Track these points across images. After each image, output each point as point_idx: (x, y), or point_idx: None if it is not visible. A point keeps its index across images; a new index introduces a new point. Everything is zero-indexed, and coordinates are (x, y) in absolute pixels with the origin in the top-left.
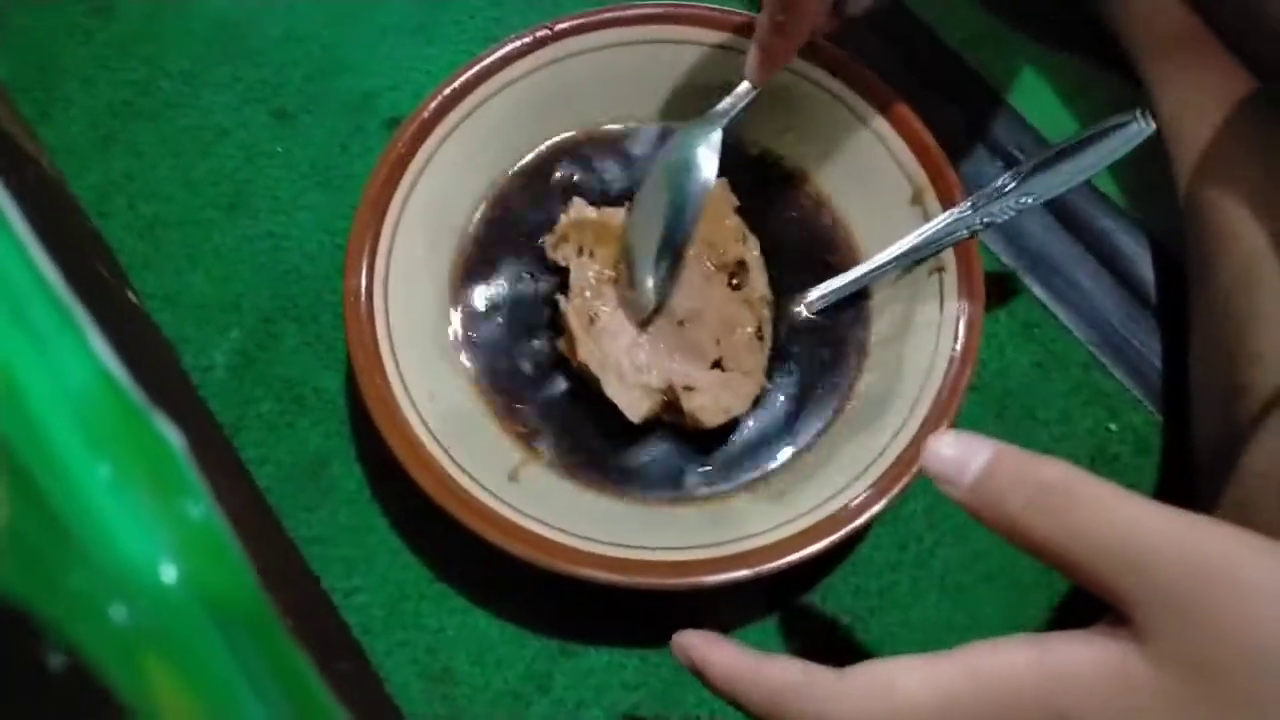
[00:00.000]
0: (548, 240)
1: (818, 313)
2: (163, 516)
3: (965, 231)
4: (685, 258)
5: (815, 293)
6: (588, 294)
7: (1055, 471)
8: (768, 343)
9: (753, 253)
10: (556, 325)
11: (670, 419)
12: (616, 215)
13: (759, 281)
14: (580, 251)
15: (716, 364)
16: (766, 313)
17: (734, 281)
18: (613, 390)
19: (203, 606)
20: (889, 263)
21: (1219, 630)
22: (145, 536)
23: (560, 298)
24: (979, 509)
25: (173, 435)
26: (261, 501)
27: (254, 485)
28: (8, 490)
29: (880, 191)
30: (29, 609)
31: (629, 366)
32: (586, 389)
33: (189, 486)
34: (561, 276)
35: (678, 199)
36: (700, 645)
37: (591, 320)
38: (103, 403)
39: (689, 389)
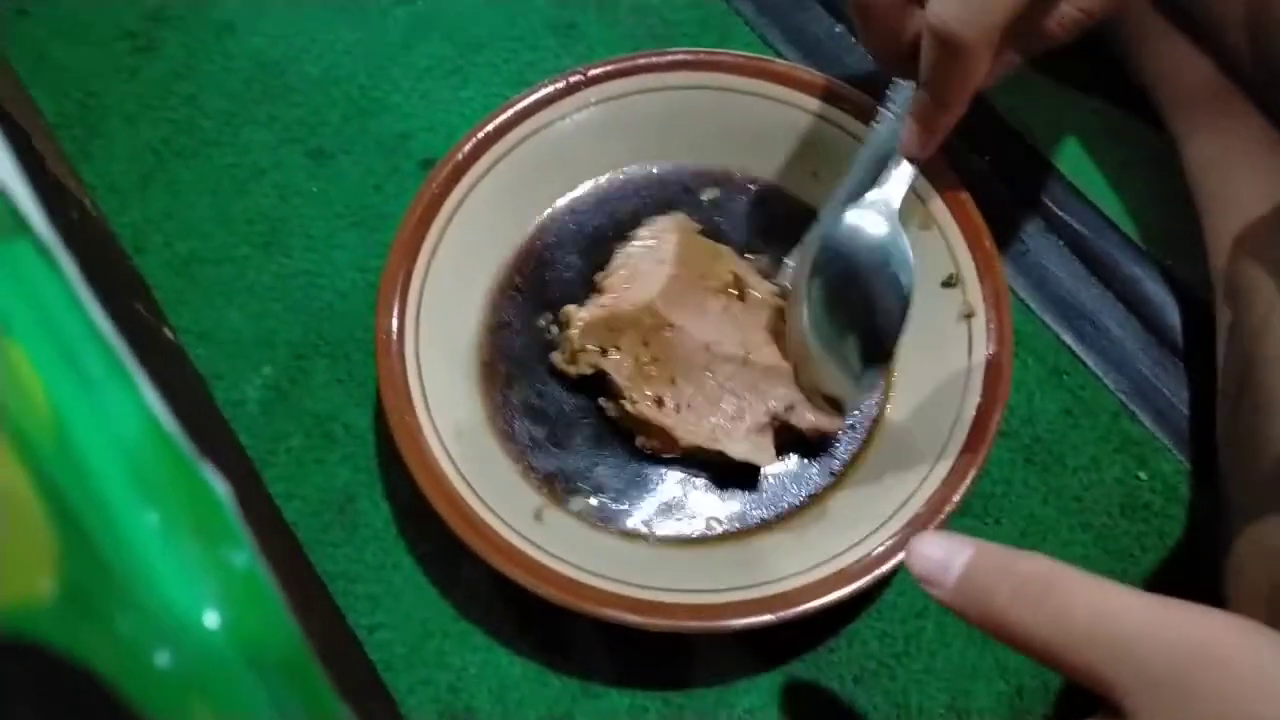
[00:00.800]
0: (557, 359)
1: None
2: (208, 564)
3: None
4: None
5: (790, 260)
6: (642, 385)
7: (1036, 565)
8: None
9: (735, 259)
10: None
11: (791, 440)
12: (619, 300)
13: (754, 281)
14: (604, 353)
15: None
16: (782, 303)
17: (739, 294)
18: (738, 452)
19: (244, 653)
20: (844, 195)
21: (1209, 713)
22: (190, 584)
23: (608, 403)
24: (964, 608)
25: (218, 484)
26: (293, 538)
27: (283, 521)
28: (61, 539)
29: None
30: (89, 663)
31: (727, 423)
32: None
33: (233, 535)
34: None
35: (884, 302)
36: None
37: (660, 404)
38: (152, 450)
39: (790, 408)
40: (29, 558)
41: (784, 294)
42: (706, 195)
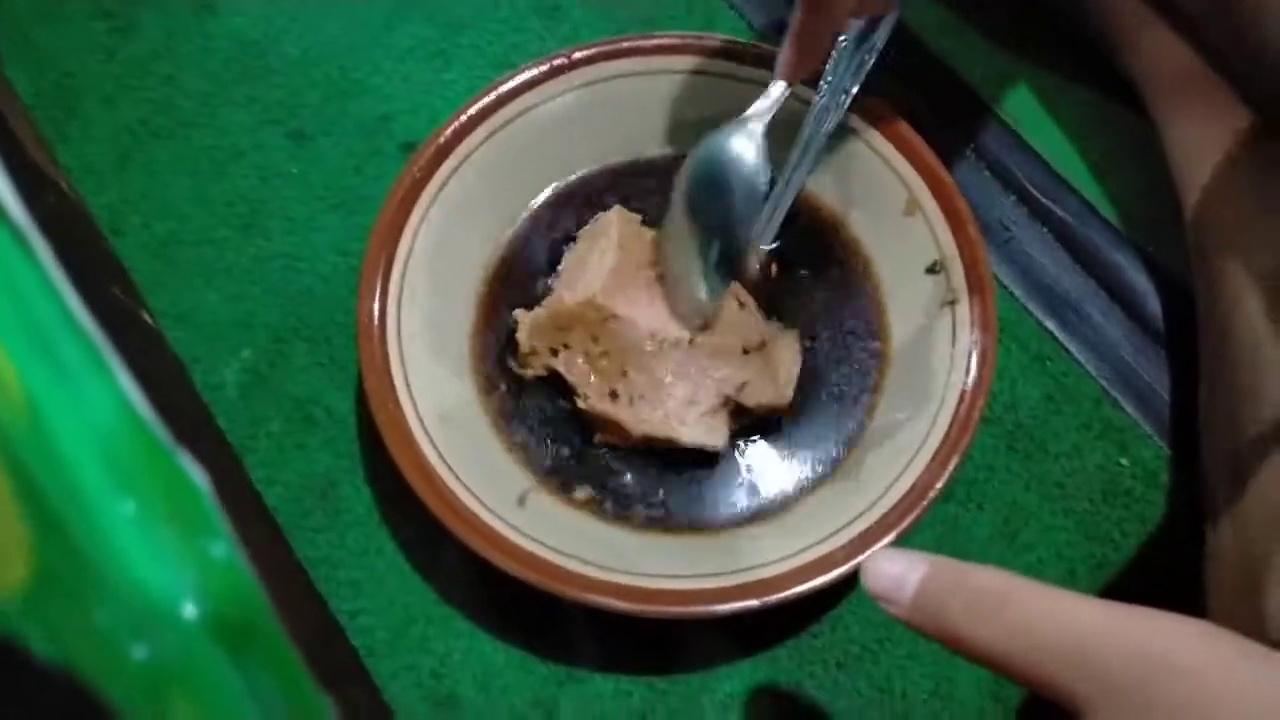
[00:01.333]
0: (514, 365)
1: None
2: (185, 554)
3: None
4: (750, 253)
5: (761, 223)
6: (594, 379)
7: (991, 578)
8: (750, 300)
9: None
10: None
11: (748, 422)
12: (563, 298)
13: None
14: (554, 353)
15: (744, 351)
16: (734, 282)
17: None
18: (690, 437)
19: (222, 644)
20: (805, 151)
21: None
22: (168, 574)
23: (565, 402)
24: (921, 623)
25: (197, 474)
26: (273, 524)
27: (264, 507)
28: (35, 529)
29: (875, 198)
30: (63, 658)
31: (680, 408)
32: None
33: (212, 525)
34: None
35: (733, 197)
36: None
37: (615, 397)
38: (128, 439)
39: (742, 386)
40: (3, 548)
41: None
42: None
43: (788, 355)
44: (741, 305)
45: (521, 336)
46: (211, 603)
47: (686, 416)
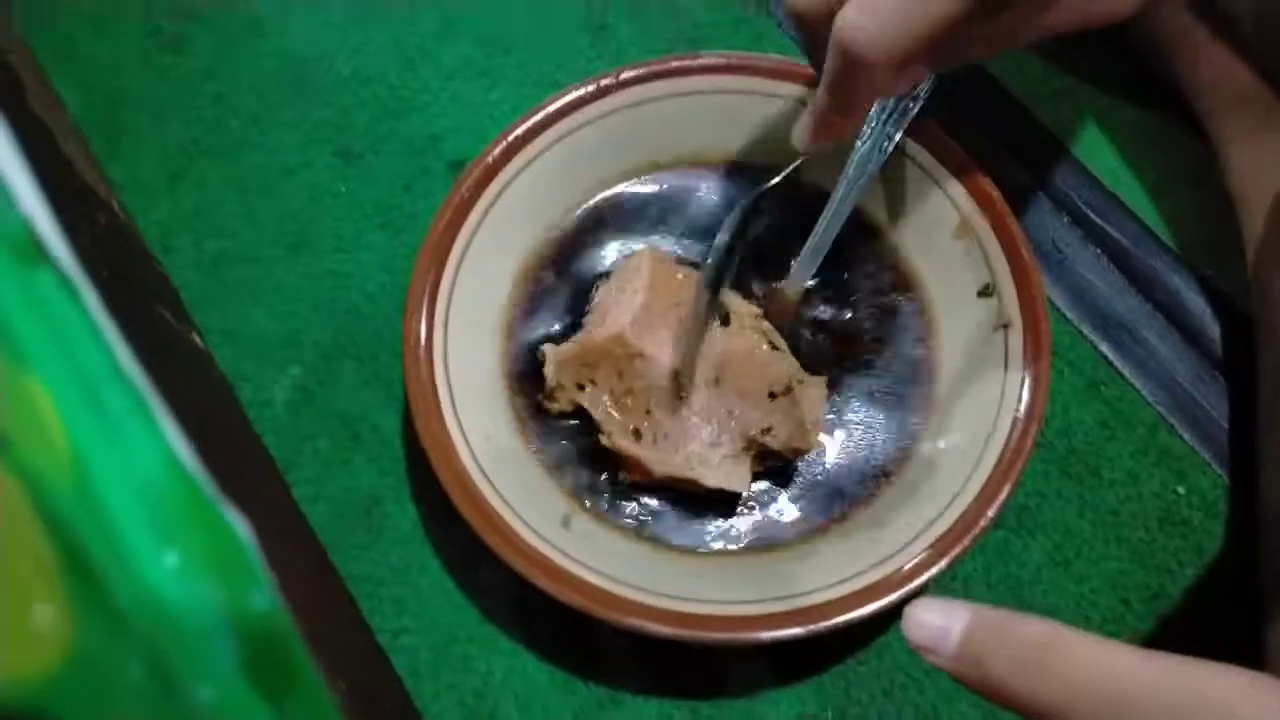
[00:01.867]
0: (542, 400)
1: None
2: (226, 604)
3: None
4: (718, 304)
5: (793, 268)
6: (617, 416)
7: (1034, 628)
8: (783, 344)
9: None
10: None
11: (772, 465)
12: (591, 334)
13: (734, 303)
14: (581, 388)
15: (771, 395)
16: (764, 324)
17: (721, 319)
18: (713, 480)
19: (261, 694)
20: (845, 196)
21: None
22: (208, 623)
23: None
24: (964, 674)
25: (240, 525)
26: (316, 543)
27: (308, 525)
28: (76, 599)
29: (926, 219)
30: None
31: (703, 450)
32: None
33: (254, 575)
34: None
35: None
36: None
37: (638, 435)
38: (172, 490)
39: (766, 430)
40: (36, 617)
41: (767, 313)
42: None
43: (815, 399)
44: (774, 347)
45: (549, 371)
46: (251, 651)
47: (710, 458)
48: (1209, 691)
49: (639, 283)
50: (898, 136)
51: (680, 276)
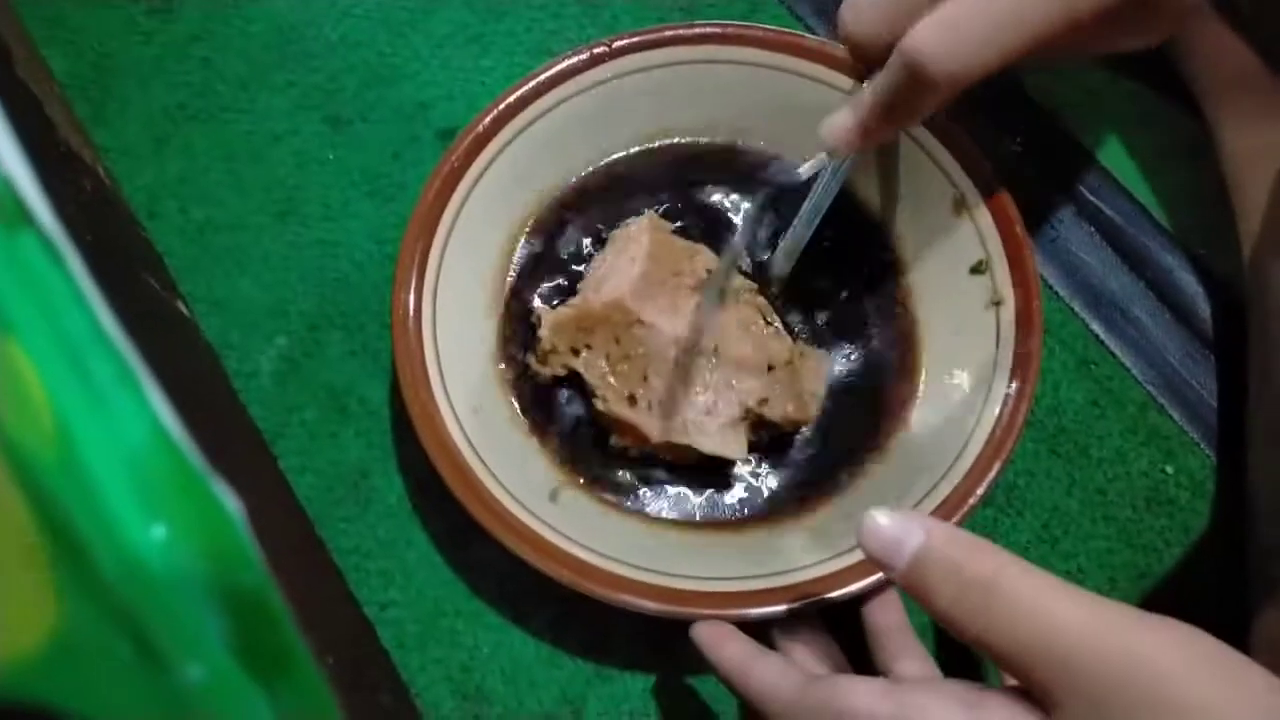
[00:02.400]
0: (532, 361)
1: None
2: (216, 583)
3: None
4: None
5: (779, 252)
6: (613, 382)
7: (983, 566)
8: (777, 319)
9: (709, 256)
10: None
11: (770, 435)
12: (589, 299)
13: (734, 279)
14: (575, 353)
15: (770, 368)
16: (761, 299)
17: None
18: (709, 446)
19: (251, 672)
20: (830, 181)
21: None
22: (198, 603)
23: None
24: (911, 595)
25: (229, 500)
26: (303, 515)
27: (294, 497)
28: (61, 577)
29: (921, 195)
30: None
31: (699, 417)
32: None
33: (243, 553)
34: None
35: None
36: (709, 641)
37: (633, 401)
38: (160, 462)
39: (764, 401)
40: (22, 597)
41: (762, 288)
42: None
43: (814, 372)
44: (769, 323)
45: (544, 333)
46: (240, 630)
47: (706, 425)
48: (1143, 648)
49: (638, 250)
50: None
51: (679, 245)
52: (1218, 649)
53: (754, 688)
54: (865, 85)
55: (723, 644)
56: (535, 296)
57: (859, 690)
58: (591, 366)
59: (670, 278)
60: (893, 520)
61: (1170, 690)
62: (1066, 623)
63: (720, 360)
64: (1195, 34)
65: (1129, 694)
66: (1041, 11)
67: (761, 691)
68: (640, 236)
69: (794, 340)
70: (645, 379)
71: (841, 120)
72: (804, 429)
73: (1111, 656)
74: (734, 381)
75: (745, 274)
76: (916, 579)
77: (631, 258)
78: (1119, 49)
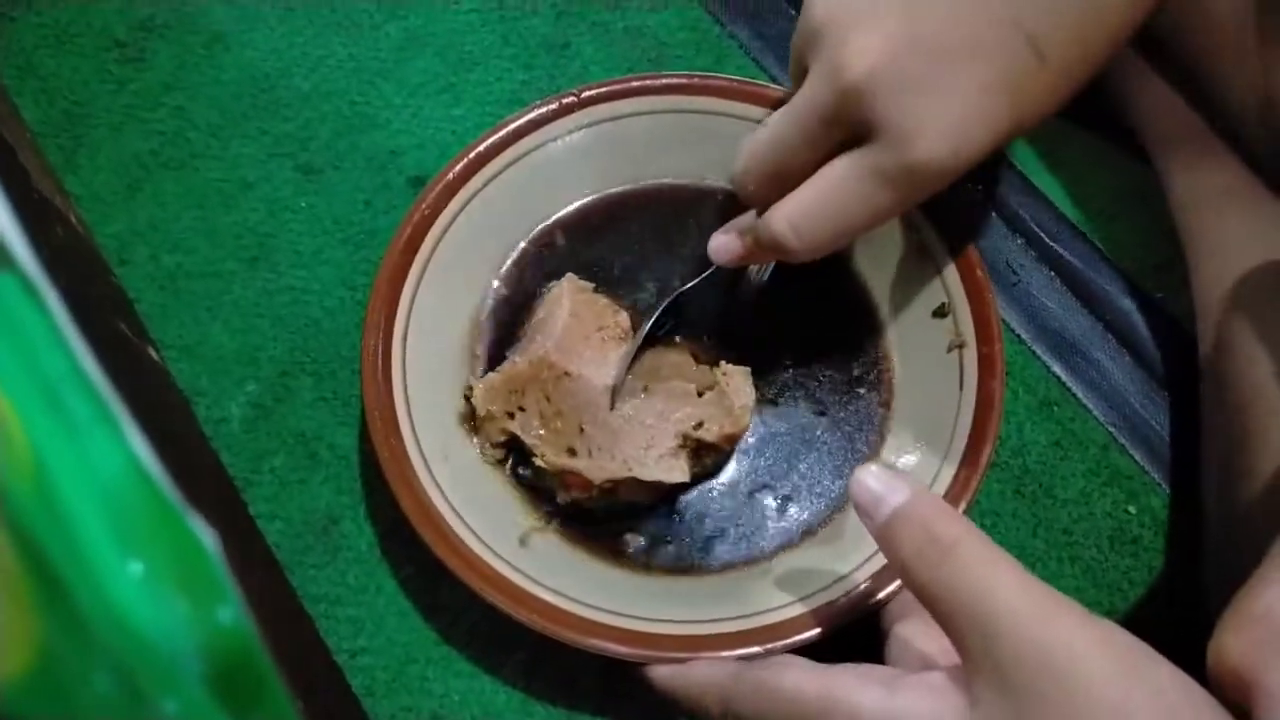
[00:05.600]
0: (468, 433)
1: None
2: (192, 618)
3: None
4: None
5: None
6: (549, 437)
7: (948, 529)
8: (705, 358)
9: (625, 318)
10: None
11: (710, 460)
12: (515, 362)
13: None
14: (511, 415)
15: (699, 394)
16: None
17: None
18: (650, 474)
19: (226, 707)
20: None
21: (1039, 716)
22: (173, 638)
23: (526, 470)
24: (882, 548)
25: (206, 536)
26: (273, 562)
27: (265, 544)
28: (38, 597)
29: (882, 240)
30: None
31: (637, 453)
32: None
33: (220, 588)
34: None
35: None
36: (654, 672)
37: (573, 452)
38: (136, 498)
39: (699, 424)
40: (6, 624)
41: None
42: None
43: (740, 383)
44: (698, 362)
45: (477, 402)
46: (217, 666)
47: (645, 459)
48: (1062, 640)
49: (560, 311)
50: None
51: (602, 303)
52: (1128, 641)
53: (694, 682)
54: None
55: (660, 665)
56: (503, 344)
57: (790, 671)
58: (527, 427)
59: (594, 332)
60: (881, 478)
61: (1080, 682)
62: (999, 591)
63: (651, 395)
64: (1137, 88)
65: (1041, 679)
66: (859, 214)
67: (700, 684)
68: (562, 299)
69: (716, 365)
70: (581, 430)
71: (727, 243)
72: (739, 444)
73: (1032, 640)
74: (666, 412)
75: (670, 316)
76: (890, 532)
77: (555, 318)
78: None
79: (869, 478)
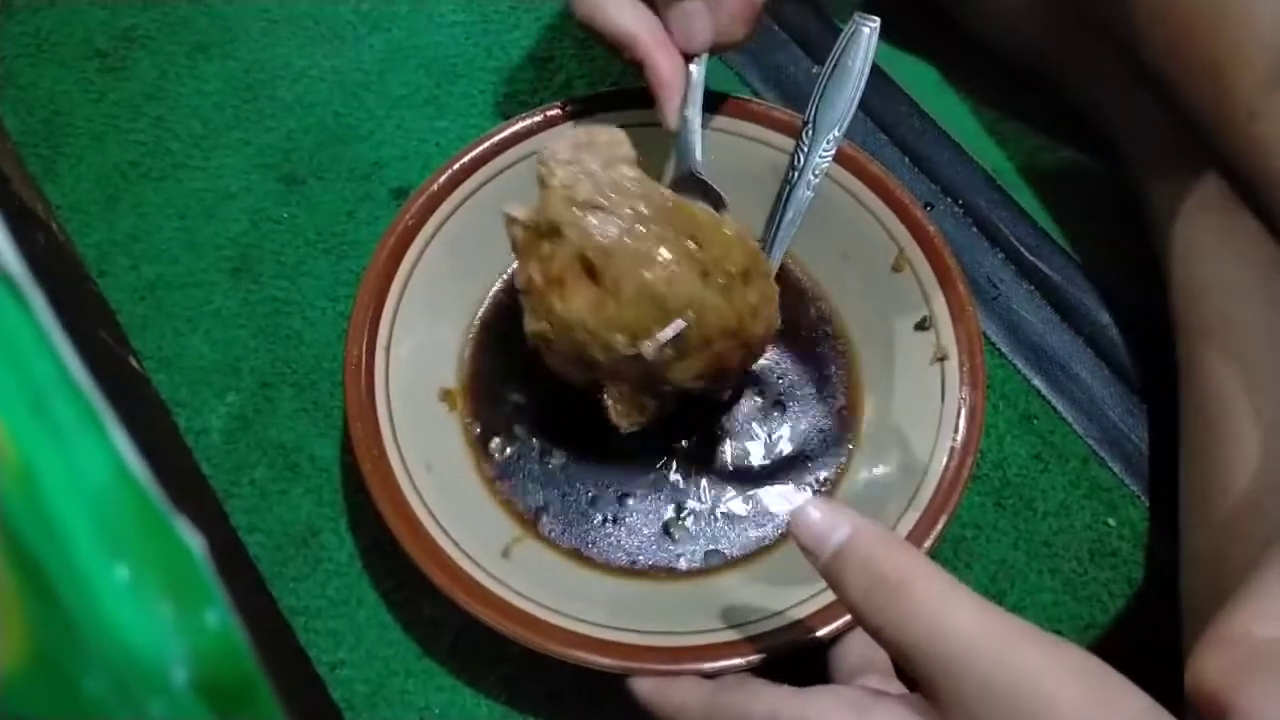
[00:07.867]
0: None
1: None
2: (179, 622)
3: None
4: None
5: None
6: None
7: (893, 565)
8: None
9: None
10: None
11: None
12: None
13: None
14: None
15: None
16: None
17: None
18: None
19: (214, 712)
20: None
21: None
22: (160, 642)
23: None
24: (829, 584)
25: (192, 540)
26: (255, 573)
27: (246, 555)
28: (28, 601)
29: (863, 253)
30: None
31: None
32: (586, 455)
33: (207, 592)
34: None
35: None
36: (639, 686)
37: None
38: (123, 503)
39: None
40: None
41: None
42: None
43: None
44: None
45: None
46: (204, 670)
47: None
48: (1027, 665)
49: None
50: (825, 165)
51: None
52: (1098, 670)
53: (673, 702)
54: None
55: (645, 679)
56: (487, 353)
57: (765, 695)
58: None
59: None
60: (823, 513)
61: (1046, 707)
62: (956, 628)
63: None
64: (1117, 99)
65: (1007, 706)
66: None
67: (679, 705)
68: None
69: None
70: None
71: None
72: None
73: (994, 667)
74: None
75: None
76: (835, 571)
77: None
78: None
79: (811, 515)
